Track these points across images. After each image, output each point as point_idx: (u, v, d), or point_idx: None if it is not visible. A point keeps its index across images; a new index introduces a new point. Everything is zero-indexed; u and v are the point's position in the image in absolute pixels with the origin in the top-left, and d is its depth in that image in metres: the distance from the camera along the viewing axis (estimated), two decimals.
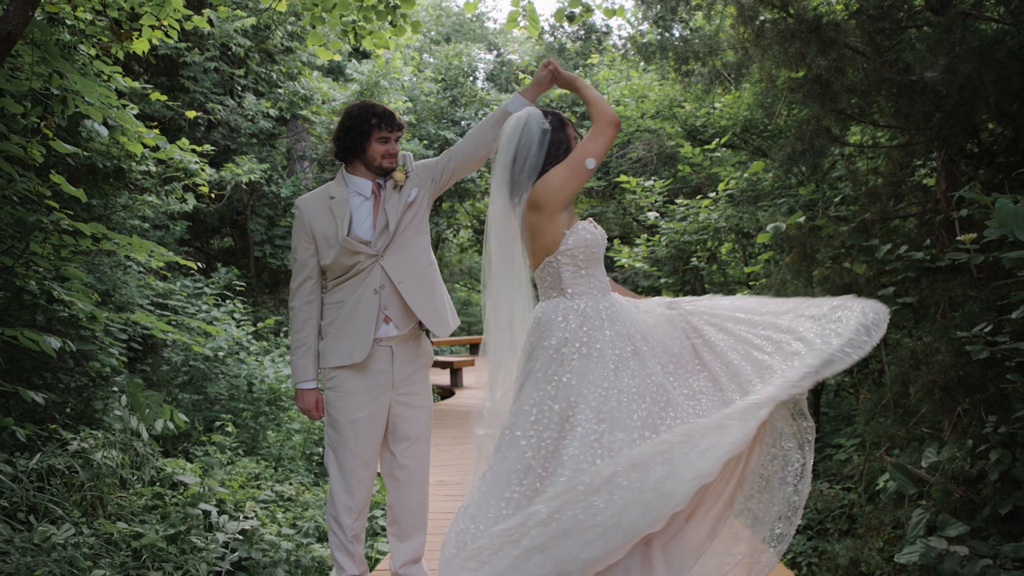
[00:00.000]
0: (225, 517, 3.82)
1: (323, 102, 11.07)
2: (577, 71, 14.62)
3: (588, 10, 4.68)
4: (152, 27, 5.32)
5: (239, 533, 3.78)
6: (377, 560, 4.67)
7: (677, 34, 11.13)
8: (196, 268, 6.07)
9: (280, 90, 10.86)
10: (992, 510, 3.07)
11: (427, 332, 3.11)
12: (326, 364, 2.94)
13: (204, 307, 7.53)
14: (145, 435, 4.83)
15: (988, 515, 3.09)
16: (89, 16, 4.98)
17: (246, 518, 3.86)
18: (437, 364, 13.18)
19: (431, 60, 15.13)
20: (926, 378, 3.25)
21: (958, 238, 3.31)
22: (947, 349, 3.20)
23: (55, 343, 3.95)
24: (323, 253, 2.89)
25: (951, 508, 3.23)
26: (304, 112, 10.85)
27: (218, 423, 6.35)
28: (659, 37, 10.60)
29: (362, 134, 2.89)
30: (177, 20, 5.37)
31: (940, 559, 2.98)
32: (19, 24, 2.66)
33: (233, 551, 3.74)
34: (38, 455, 3.59)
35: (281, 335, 9.44)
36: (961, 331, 3.18)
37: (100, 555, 3.27)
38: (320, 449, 6.87)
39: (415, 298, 2.93)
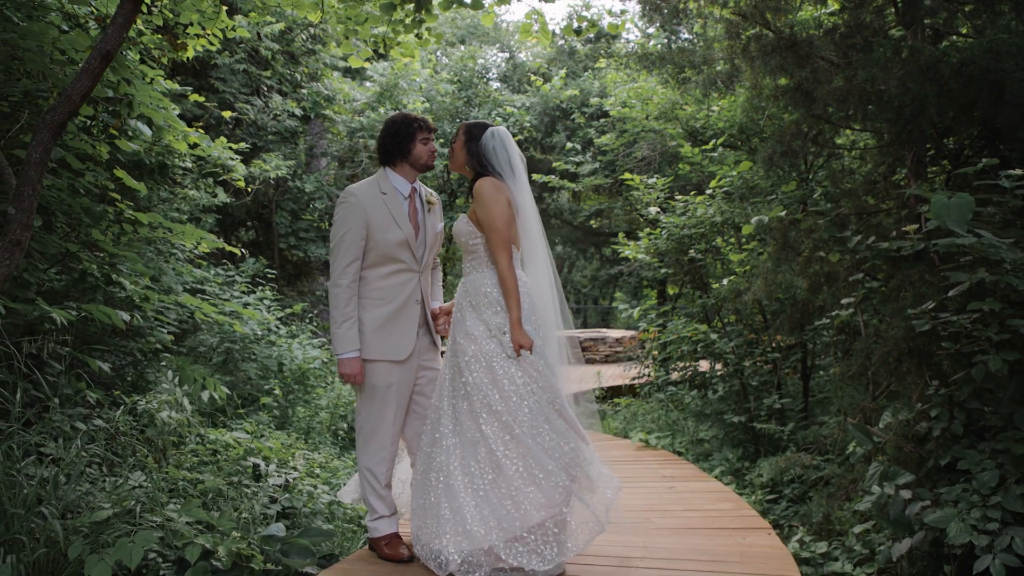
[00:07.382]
0: (273, 467, 4.37)
1: (345, 102, 11.62)
2: (587, 73, 15.11)
3: (593, 24, 5.18)
4: (197, 35, 5.87)
5: (283, 482, 4.33)
6: (401, 514, 5.23)
7: (684, 36, 11.60)
8: (240, 254, 6.64)
9: (303, 90, 11.42)
10: (935, 462, 3.56)
11: None
12: (372, 356, 3.32)
13: (236, 294, 8.10)
14: (189, 407, 5.37)
15: (932, 467, 3.58)
16: (146, 30, 5.52)
17: (293, 468, 4.42)
18: None
19: (446, 61, 15.64)
20: (883, 349, 3.75)
21: (903, 228, 3.80)
22: (900, 324, 3.69)
23: (125, 316, 4.51)
24: (376, 236, 3.30)
25: (902, 462, 3.72)
26: (327, 111, 11.41)
27: (267, 387, 6.91)
28: (664, 41, 11.08)
29: (408, 136, 3.39)
30: (220, 29, 5.91)
31: (887, 504, 3.49)
32: (116, 44, 3.18)
33: (277, 500, 4.29)
34: (120, 410, 4.15)
35: (307, 321, 9.98)
36: (912, 309, 3.67)
37: (169, 497, 3.83)
38: (344, 424, 7.43)
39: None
